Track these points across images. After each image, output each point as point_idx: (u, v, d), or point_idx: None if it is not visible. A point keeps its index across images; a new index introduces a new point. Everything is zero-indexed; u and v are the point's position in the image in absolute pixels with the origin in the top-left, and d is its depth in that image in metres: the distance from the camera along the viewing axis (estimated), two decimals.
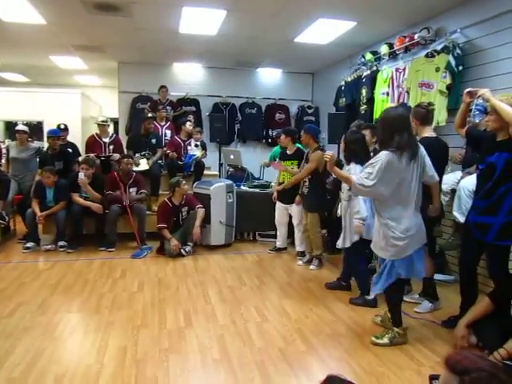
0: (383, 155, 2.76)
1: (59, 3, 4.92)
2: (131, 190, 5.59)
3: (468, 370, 1.05)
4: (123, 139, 6.81)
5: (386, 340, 2.96)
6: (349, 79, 6.63)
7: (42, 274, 4.49)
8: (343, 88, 6.75)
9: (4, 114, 9.48)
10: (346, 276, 4.07)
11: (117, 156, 5.93)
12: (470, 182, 3.45)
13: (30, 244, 5.30)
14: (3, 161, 6.05)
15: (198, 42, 6.53)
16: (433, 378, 2.12)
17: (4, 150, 6.12)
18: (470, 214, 3.08)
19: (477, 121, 3.56)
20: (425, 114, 3.35)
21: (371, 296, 3.53)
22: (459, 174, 3.97)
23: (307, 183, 4.77)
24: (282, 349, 2.89)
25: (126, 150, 6.28)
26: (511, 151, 2.75)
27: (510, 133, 2.73)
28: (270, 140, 8.55)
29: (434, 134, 3.41)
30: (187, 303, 3.69)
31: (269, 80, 8.75)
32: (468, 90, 3.02)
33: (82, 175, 5.24)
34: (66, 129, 6.14)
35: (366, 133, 4.15)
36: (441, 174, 3.28)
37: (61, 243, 5.29)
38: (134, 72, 8.01)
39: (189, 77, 8.35)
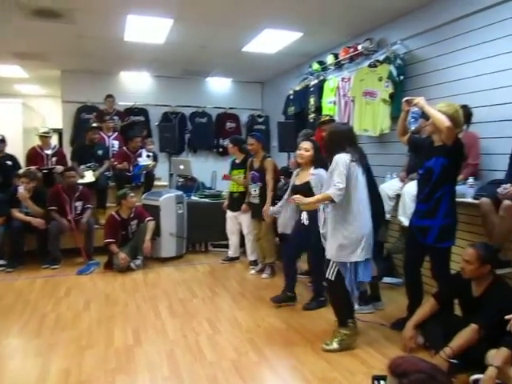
0: (340, 157, 2.88)
1: None
2: (77, 204, 5.35)
3: (407, 372, 1.05)
4: (68, 151, 6.54)
5: (335, 345, 2.98)
6: (297, 88, 6.74)
7: None
8: (292, 97, 6.85)
9: None
10: (291, 286, 3.96)
11: (60, 168, 5.67)
12: (412, 187, 3.57)
13: None
14: None
15: (146, 51, 6.41)
16: (375, 378, 2.14)
17: None
18: (412, 217, 3.18)
19: (412, 128, 3.68)
20: None
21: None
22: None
23: (257, 191, 4.76)
24: (235, 361, 2.83)
25: (70, 162, 6.03)
26: (446, 156, 2.87)
27: (442, 139, 2.86)
28: (221, 149, 8.51)
29: None
30: (136, 319, 3.55)
31: (219, 89, 8.73)
32: (406, 98, 3.14)
33: (21, 189, 4.97)
34: (3, 140, 5.81)
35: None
36: None
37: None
38: (79, 81, 7.72)
39: (137, 86, 8.17)
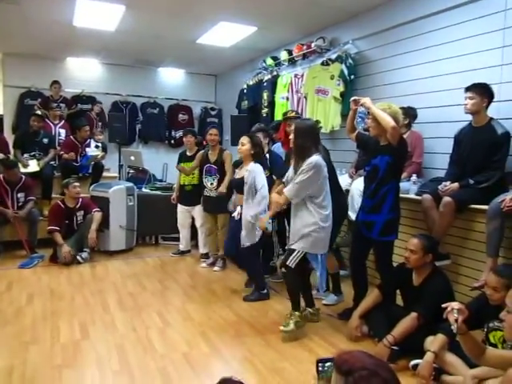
0: (316, 160, 3.01)
1: None
2: (19, 195, 5.10)
3: (352, 370, 1.05)
4: (9, 138, 6.20)
5: (292, 326, 3.08)
6: (251, 83, 6.76)
7: None
8: (245, 91, 6.87)
9: None
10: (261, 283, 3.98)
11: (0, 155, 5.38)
12: (360, 183, 3.71)
13: None
14: None
15: (95, 38, 6.18)
16: (319, 361, 2.22)
17: None
18: (359, 212, 3.32)
19: (360, 127, 3.83)
20: None
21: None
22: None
23: (214, 184, 4.74)
24: (186, 353, 2.84)
25: (12, 150, 5.73)
26: (391, 154, 3.02)
27: (387, 138, 3.00)
28: (172, 141, 8.40)
29: None
30: (83, 314, 3.46)
31: (171, 80, 8.59)
32: (353, 98, 3.27)
33: None
34: None
35: (259, 135, 4.29)
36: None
37: None
38: (22, 65, 7.30)
39: (85, 73, 7.85)
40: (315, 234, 3.04)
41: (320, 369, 2.53)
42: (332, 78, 5.01)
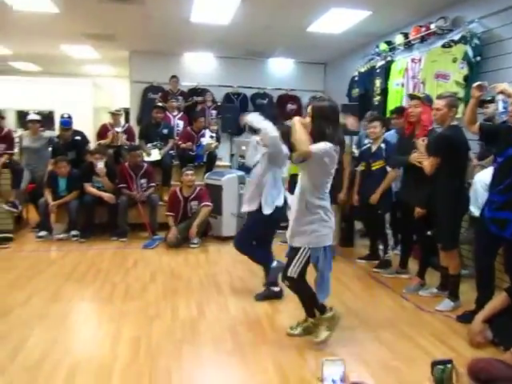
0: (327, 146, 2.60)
1: None
2: (142, 181, 5.59)
3: (492, 379, 0.99)
4: (134, 129, 6.81)
5: (299, 330, 2.92)
6: (362, 69, 6.54)
7: (55, 262, 4.53)
8: (356, 78, 6.66)
9: (15, 104, 9.50)
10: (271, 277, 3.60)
11: (127, 142, 5.97)
12: (486, 175, 3.39)
13: (42, 233, 5.34)
14: (16, 150, 6.07)
15: (210, 32, 6.47)
16: (435, 363, 2.08)
17: (17, 140, 6.14)
18: (485, 208, 3.02)
19: (504, 118, 3.17)
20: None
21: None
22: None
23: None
24: (295, 339, 2.86)
25: (137, 140, 6.29)
26: None
27: None
28: None
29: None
30: (199, 294, 3.69)
31: (280, 70, 8.67)
32: (477, 83, 2.93)
33: (100, 165, 5.28)
34: (69, 117, 6.10)
35: (376, 124, 4.15)
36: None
37: (73, 232, 5.32)
38: (146, 61, 7.97)
39: (200, 67, 8.30)
40: (320, 228, 2.69)
41: (435, 371, 2.41)
42: (455, 60, 4.62)
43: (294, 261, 2.73)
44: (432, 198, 3.42)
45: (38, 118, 6.00)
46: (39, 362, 2.51)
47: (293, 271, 2.74)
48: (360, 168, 4.62)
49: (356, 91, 6.63)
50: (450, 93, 3.59)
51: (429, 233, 3.72)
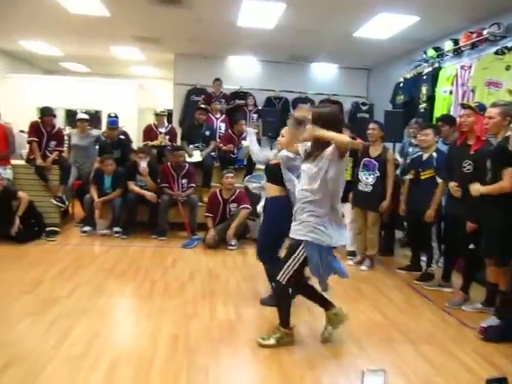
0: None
1: None
2: (183, 181, 5.69)
3: None
4: (177, 130, 6.94)
5: (272, 341, 2.82)
6: (408, 76, 6.40)
7: (98, 257, 4.68)
8: (401, 85, 6.53)
9: (65, 103, 9.86)
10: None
11: (169, 143, 6.10)
12: None
13: (86, 228, 5.53)
14: (65, 147, 6.31)
15: (255, 36, 6.52)
16: (490, 382, 2.01)
17: (65, 137, 6.39)
18: None
19: None
20: None
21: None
22: None
23: (371, 180, 4.56)
24: (332, 348, 2.83)
25: (180, 141, 6.40)
26: None
27: None
28: None
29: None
30: (237, 296, 3.71)
31: (322, 75, 8.61)
32: None
33: (143, 164, 5.42)
34: (116, 117, 6.28)
35: (429, 132, 4.06)
36: None
37: (116, 229, 5.49)
38: (190, 64, 8.12)
39: (242, 70, 8.37)
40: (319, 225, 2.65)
41: None
42: (508, 68, 4.46)
43: (288, 263, 2.73)
44: (482, 212, 3.29)
45: (86, 117, 6.22)
46: (82, 353, 2.59)
47: (282, 276, 2.74)
48: (409, 176, 4.47)
49: (401, 98, 6.50)
50: (504, 101, 3.45)
51: (471, 246, 3.58)
